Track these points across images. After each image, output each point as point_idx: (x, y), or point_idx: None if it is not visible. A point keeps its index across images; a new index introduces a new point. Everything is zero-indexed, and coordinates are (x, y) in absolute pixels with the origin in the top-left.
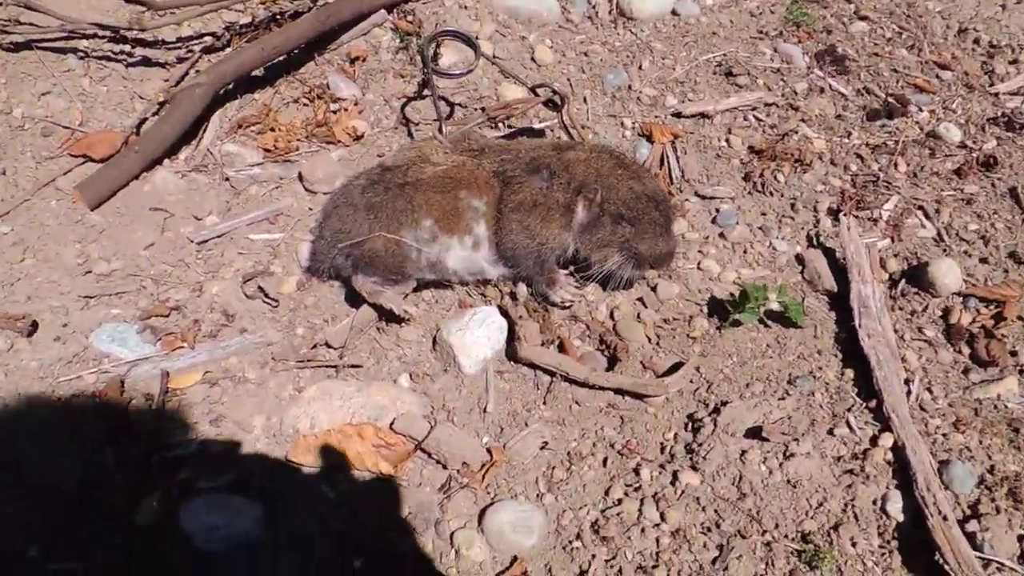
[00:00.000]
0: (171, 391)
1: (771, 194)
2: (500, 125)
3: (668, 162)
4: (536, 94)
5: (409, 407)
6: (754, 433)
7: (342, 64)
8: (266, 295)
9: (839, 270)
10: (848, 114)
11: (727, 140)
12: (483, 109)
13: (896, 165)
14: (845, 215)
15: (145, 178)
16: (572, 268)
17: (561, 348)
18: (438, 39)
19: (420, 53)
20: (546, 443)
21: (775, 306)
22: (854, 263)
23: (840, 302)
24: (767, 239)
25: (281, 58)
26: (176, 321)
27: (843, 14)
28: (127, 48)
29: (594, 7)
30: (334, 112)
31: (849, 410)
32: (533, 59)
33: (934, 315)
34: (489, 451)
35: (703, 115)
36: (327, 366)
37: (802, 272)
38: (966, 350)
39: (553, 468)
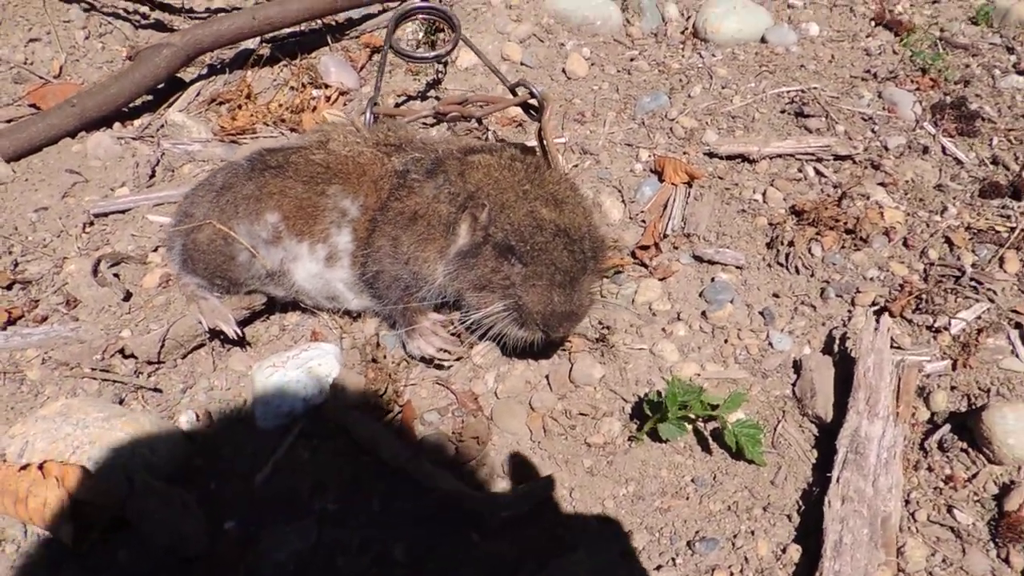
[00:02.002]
0: None
1: (796, 271)
2: (492, 132)
3: (671, 208)
4: (515, 94)
5: (150, 457)
6: None
7: (350, 52)
8: (107, 284)
9: (847, 391)
10: (954, 185)
11: (764, 193)
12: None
13: (1002, 261)
14: (887, 313)
15: (82, 137)
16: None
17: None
18: (414, 15)
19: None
20: (307, 547)
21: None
22: (864, 384)
23: (832, 439)
24: (765, 329)
25: (296, 37)
26: (13, 296)
27: (996, 64)
28: (143, 9)
29: (665, 23)
30: (315, 99)
31: None
32: (563, 70)
33: (983, 492)
34: (214, 540)
35: (743, 158)
36: (117, 382)
37: (794, 384)
38: (1019, 560)
39: None
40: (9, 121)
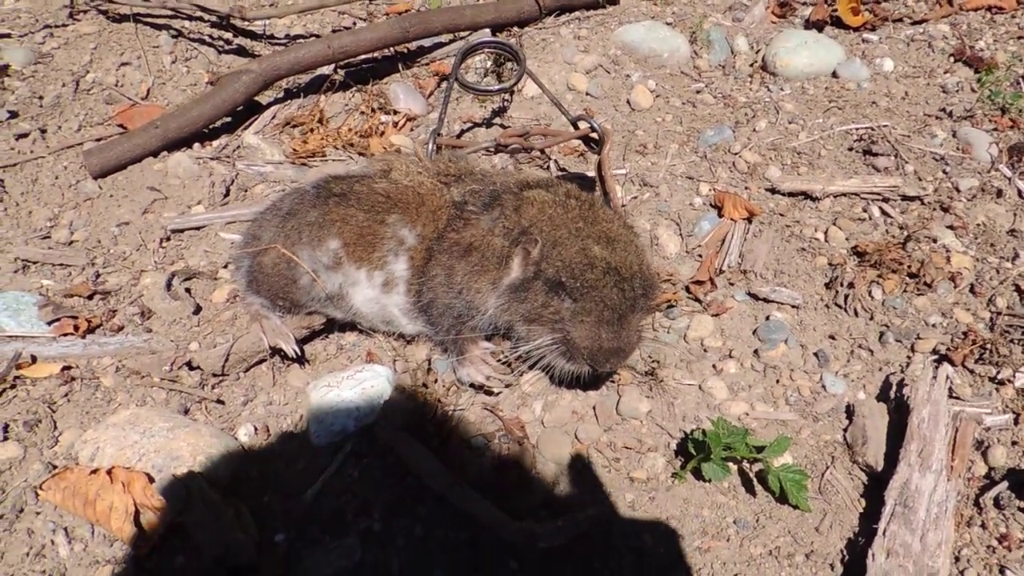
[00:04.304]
0: (19, 379)
1: (856, 313)
2: (554, 162)
3: (728, 244)
4: (576, 127)
5: (209, 467)
6: None
7: (419, 79)
8: (179, 298)
9: (900, 440)
10: None
11: (825, 232)
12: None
13: None
14: (948, 362)
15: (163, 157)
16: (512, 344)
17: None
18: (480, 49)
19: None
20: (350, 567)
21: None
22: (918, 435)
23: (882, 489)
24: (819, 372)
25: (369, 64)
26: (93, 305)
27: None
28: (227, 36)
29: (734, 55)
30: (383, 124)
31: None
32: (628, 101)
33: None
34: (263, 552)
35: (806, 195)
36: (183, 392)
37: (846, 430)
38: None
39: None
40: (99, 140)
